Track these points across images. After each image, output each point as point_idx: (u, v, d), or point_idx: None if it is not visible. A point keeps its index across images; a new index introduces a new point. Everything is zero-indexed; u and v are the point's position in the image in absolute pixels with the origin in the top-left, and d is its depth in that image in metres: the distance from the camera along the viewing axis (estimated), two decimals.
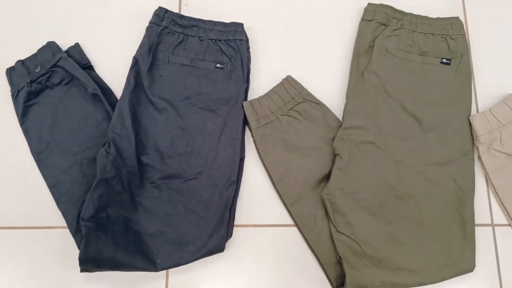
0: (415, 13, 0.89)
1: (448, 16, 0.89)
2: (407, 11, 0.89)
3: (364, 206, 0.79)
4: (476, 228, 0.80)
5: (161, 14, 0.88)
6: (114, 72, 0.89)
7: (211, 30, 0.89)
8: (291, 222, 0.81)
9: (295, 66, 0.90)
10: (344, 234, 0.77)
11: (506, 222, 0.80)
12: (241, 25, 0.89)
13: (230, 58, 0.88)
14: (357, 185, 0.79)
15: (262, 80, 0.89)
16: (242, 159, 0.85)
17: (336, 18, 0.92)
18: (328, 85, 0.88)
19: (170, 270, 0.80)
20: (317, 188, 0.81)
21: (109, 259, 0.74)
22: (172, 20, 0.88)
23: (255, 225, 0.82)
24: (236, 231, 0.82)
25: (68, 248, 0.78)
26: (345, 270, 0.74)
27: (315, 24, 0.93)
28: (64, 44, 0.88)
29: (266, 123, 0.84)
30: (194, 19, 0.89)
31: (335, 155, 0.81)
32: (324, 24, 0.93)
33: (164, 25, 0.88)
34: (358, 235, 0.77)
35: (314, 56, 0.91)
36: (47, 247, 0.80)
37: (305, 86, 0.86)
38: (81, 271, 0.74)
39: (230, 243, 0.81)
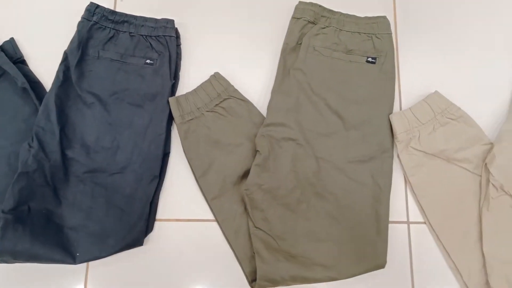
0: (346, 12, 0.89)
1: (378, 15, 0.89)
2: (339, 9, 0.89)
3: (283, 202, 0.80)
4: (392, 225, 0.81)
5: (92, 10, 0.88)
6: (48, 66, 0.90)
7: (142, 26, 0.90)
8: (212, 217, 0.82)
9: (226, 63, 0.91)
10: (261, 229, 0.78)
11: (421, 220, 0.82)
12: (171, 21, 0.90)
13: (160, 54, 0.88)
14: (276, 182, 0.80)
15: (193, 76, 0.90)
16: (167, 155, 0.86)
17: (268, 16, 0.93)
18: (258, 82, 0.89)
19: (90, 263, 0.81)
20: (238, 184, 0.82)
21: (26, 251, 0.75)
22: (103, 15, 0.89)
23: (177, 220, 0.83)
24: (158, 225, 0.83)
25: None
26: (257, 264, 0.76)
27: (246, 22, 0.94)
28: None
29: (191, 119, 0.85)
30: (126, 15, 0.90)
31: (256, 152, 0.82)
32: (257, 22, 0.93)
33: (95, 20, 0.88)
34: (275, 230, 0.78)
35: (245, 53, 0.92)
36: None
37: (235, 83, 0.87)
38: None
39: (151, 237, 0.82)
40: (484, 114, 0.85)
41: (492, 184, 0.78)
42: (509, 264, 0.75)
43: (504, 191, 0.78)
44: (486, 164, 0.79)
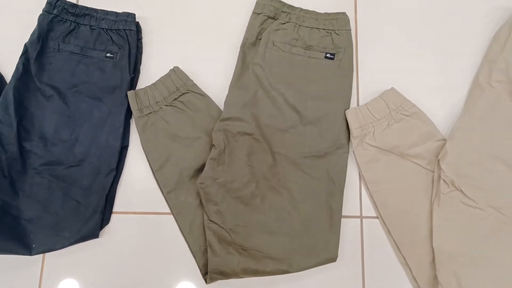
0: (308, 8, 0.90)
1: (339, 11, 0.89)
2: (300, 5, 0.90)
3: (237, 196, 0.80)
4: (346, 220, 0.82)
5: (53, 3, 0.88)
6: (9, 59, 0.90)
7: (103, 19, 0.90)
8: (168, 211, 0.83)
9: (186, 57, 0.91)
10: (215, 222, 0.79)
11: (374, 215, 0.82)
12: (132, 15, 0.90)
13: (120, 48, 0.89)
14: (230, 176, 0.81)
15: (153, 70, 0.90)
16: (125, 148, 0.87)
17: (230, 11, 0.93)
18: (217, 77, 0.89)
19: (46, 254, 0.82)
20: (195, 177, 0.83)
21: None
22: (64, 8, 0.89)
23: (133, 213, 0.84)
24: (114, 218, 0.84)
25: None
26: (209, 257, 0.76)
27: (209, 16, 0.94)
28: None
29: (149, 113, 0.85)
30: (87, 8, 0.90)
31: (212, 146, 0.82)
32: (218, 17, 0.94)
33: (56, 13, 0.88)
34: (228, 224, 0.79)
35: (205, 48, 0.92)
36: None
37: (194, 78, 0.88)
38: None
39: (108, 230, 0.83)
40: (439, 111, 0.86)
41: (443, 180, 0.79)
42: (457, 259, 0.76)
43: (455, 187, 0.79)
44: (438, 160, 0.80)
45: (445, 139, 0.82)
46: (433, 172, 0.81)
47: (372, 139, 0.82)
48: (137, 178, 0.85)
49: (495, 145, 0.80)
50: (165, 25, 0.93)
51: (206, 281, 0.78)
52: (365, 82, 0.89)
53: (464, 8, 0.92)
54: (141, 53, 0.92)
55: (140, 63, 0.91)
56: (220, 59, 0.90)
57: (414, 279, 0.79)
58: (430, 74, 0.89)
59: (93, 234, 0.81)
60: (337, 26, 0.88)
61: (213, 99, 0.87)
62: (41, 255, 0.82)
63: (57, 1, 0.88)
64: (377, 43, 0.91)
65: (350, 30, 0.88)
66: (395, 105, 0.83)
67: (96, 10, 0.90)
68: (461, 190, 0.79)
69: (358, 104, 0.88)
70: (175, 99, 0.86)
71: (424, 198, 0.81)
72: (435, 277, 0.77)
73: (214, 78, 0.89)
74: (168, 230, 0.83)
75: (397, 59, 0.90)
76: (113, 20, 0.90)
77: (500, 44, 0.85)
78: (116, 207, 0.84)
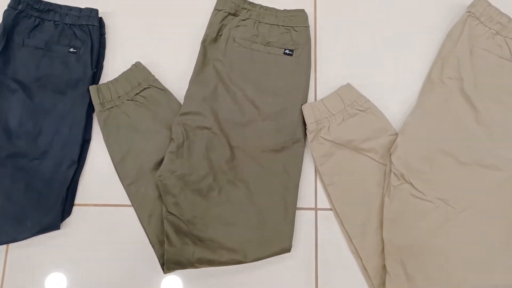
0: (269, 5, 0.91)
1: (299, 8, 0.91)
2: (260, 2, 0.92)
3: (195, 188, 0.83)
4: (301, 211, 0.85)
5: None
6: None
7: (67, 14, 0.92)
8: (129, 203, 0.85)
9: (149, 52, 0.93)
10: (173, 214, 0.81)
11: (328, 207, 0.85)
12: (95, 10, 0.91)
13: (83, 43, 0.90)
14: (188, 168, 0.83)
15: (116, 65, 0.92)
16: (87, 141, 0.89)
17: (192, 7, 0.95)
18: (179, 72, 0.91)
19: (10, 245, 0.84)
20: (155, 170, 0.85)
21: None
22: (29, 4, 0.91)
23: (94, 205, 0.86)
24: (76, 210, 0.86)
25: None
26: (165, 248, 0.79)
27: (172, 12, 0.96)
28: None
29: (111, 107, 0.87)
30: (51, 4, 0.92)
31: (171, 139, 0.85)
32: (181, 12, 0.95)
33: (20, 9, 0.90)
34: (186, 215, 0.81)
35: (167, 44, 0.94)
36: None
37: (156, 73, 0.90)
38: None
39: (70, 221, 0.85)
40: (393, 106, 0.88)
41: (394, 173, 0.81)
42: (405, 249, 0.79)
43: (405, 180, 0.81)
44: (390, 154, 0.83)
45: (397, 134, 0.85)
46: (386, 165, 0.84)
47: (327, 134, 0.85)
48: (99, 171, 0.87)
49: (444, 140, 0.83)
50: (129, 20, 0.95)
51: (163, 271, 0.80)
52: (322, 78, 0.91)
53: (421, 6, 0.94)
54: (104, 48, 0.93)
55: (103, 58, 0.93)
56: (182, 55, 0.92)
57: (364, 268, 0.81)
58: (385, 70, 0.91)
59: (55, 225, 0.83)
60: (296, 23, 0.90)
61: (174, 93, 0.89)
62: (4, 246, 0.84)
63: None
64: (336, 39, 0.93)
65: (308, 27, 0.90)
66: (350, 100, 0.86)
67: (60, 6, 0.92)
68: (411, 183, 0.81)
69: (315, 99, 0.90)
70: (137, 93, 0.88)
71: (376, 190, 0.84)
72: (384, 267, 0.80)
73: (176, 73, 0.91)
74: (128, 221, 0.85)
75: (355, 56, 0.92)
76: (76, 16, 0.91)
77: (452, 41, 0.87)
78: (78, 199, 0.86)
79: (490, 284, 0.77)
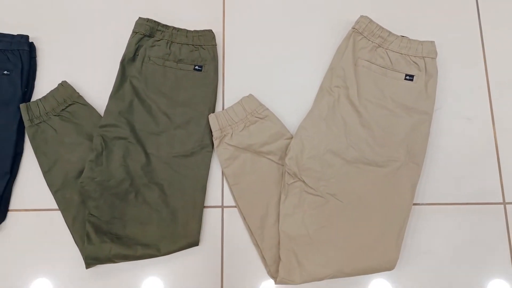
0: (183, 27, 1.03)
1: (208, 28, 1.03)
2: (176, 24, 1.03)
3: (113, 192, 0.93)
4: (209, 209, 0.96)
5: None
6: None
7: (1, 41, 1.02)
8: (57, 207, 0.95)
9: (74, 72, 1.03)
10: (94, 216, 0.91)
11: (233, 204, 0.96)
12: (26, 36, 1.02)
13: (15, 66, 1.01)
14: (107, 175, 0.93)
15: (46, 84, 1.02)
16: (19, 154, 0.99)
17: (115, 29, 1.06)
18: (101, 89, 1.01)
19: None
20: (78, 178, 0.95)
21: None
22: None
23: (26, 210, 0.96)
24: (10, 215, 0.96)
25: None
26: (85, 246, 0.89)
27: (95, 36, 1.06)
28: None
29: (39, 122, 0.98)
30: None
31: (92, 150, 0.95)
32: (103, 36, 1.06)
33: None
34: (105, 217, 0.92)
35: (91, 63, 1.05)
36: None
37: (82, 90, 1.00)
38: None
39: (4, 226, 0.95)
40: (290, 113, 0.99)
41: (288, 173, 0.92)
42: (297, 239, 0.90)
43: (298, 178, 0.92)
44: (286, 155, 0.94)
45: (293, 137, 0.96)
46: (283, 166, 0.94)
47: (231, 139, 0.96)
48: (31, 179, 0.98)
49: (332, 141, 0.94)
50: (57, 44, 1.06)
51: (86, 267, 0.91)
52: (229, 89, 1.02)
53: (316, 24, 1.06)
54: (34, 70, 1.04)
55: (34, 78, 1.03)
56: (104, 74, 1.03)
57: (263, 258, 0.92)
58: (284, 80, 1.03)
59: None
60: (204, 41, 1.01)
61: (97, 108, 1.00)
62: None
63: None
64: (242, 54, 1.04)
65: (215, 45, 1.01)
66: (250, 109, 0.97)
67: None
68: (303, 181, 0.92)
69: (223, 109, 1.01)
70: (63, 109, 0.99)
71: (275, 189, 0.94)
72: (279, 256, 0.90)
73: (98, 90, 1.01)
74: (57, 224, 0.95)
75: (258, 69, 1.04)
76: (9, 42, 1.02)
77: (339, 54, 0.99)
78: (12, 205, 0.96)
79: (369, 265, 0.88)
